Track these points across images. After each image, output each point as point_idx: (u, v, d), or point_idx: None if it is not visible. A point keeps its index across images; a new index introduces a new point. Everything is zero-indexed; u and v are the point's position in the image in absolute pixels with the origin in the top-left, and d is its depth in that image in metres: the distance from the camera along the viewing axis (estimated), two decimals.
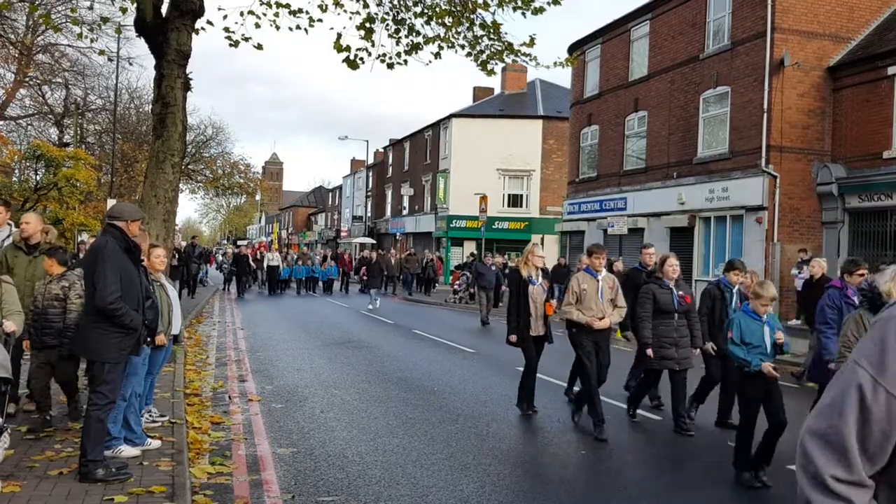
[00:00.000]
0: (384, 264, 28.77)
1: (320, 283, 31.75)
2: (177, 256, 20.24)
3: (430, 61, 11.60)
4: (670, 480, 6.11)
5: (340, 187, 71.11)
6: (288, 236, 57.40)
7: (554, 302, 8.46)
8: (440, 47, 11.24)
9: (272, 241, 50.84)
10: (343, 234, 61.06)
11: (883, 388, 1.54)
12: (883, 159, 17.34)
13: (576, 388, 8.69)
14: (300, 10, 10.83)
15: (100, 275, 5.04)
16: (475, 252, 31.75)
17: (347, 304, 25.11)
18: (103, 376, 5.13)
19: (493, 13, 11.08)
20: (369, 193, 57.60)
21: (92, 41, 11.38)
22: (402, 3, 11.20)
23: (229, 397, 8.82)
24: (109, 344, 5.13)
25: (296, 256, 35.03)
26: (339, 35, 10.71)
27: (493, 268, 20.38)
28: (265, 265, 30.58)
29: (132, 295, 5.21)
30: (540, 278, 8.33)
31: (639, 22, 24.27)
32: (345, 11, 11.10)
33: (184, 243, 29.06)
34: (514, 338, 8.22)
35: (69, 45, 28.08)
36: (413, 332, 16.60)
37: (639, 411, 8.61)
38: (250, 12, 10.66)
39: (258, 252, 32.06)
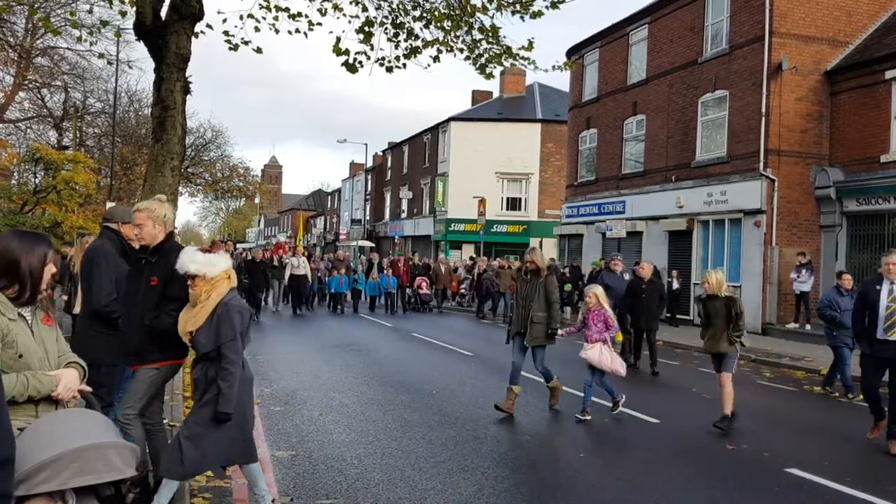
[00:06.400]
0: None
1: (366, 298, 23.78)
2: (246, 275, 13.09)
3: (429, 65, 11.59)
4: (667, 482, 6.11)
5: (339, 190, 71.24)
6: (287, 239, 56.82)
7: None
8: (439, 51, 11.25)
9: (295, 242, 41.04)
10: (342, 237, 61.10)
11: None
12: (880, 163, 17.39)
13: None
14: (300, 14, 10.86)
15: (94, 278, 5.05)
16: (474, 256, 31.74)
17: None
18: (99, 379, 5.12)
19: (492, 17, 11.08)
20: (368, 196, 57.68)
21: (91, 44, 11.40)
22: (401, 7, 11.23)
23: None
24: (106, 347, 5.13)
25: (331, 263, 25.71)
26: (339, 39, 10.73)
27: (626, 276, 13.65)
28: (287, 274, 21.93)
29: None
30: None
31: (637, 26, 24.32)
32: (344, 15, 11.12)
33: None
34: None
35: (68, 49, 28.12)
36: (412, 336, 16.61)
37: (632, 413, 8.60)
38: (250, 16, 10.68)
39: (276, 257, 23.54)
